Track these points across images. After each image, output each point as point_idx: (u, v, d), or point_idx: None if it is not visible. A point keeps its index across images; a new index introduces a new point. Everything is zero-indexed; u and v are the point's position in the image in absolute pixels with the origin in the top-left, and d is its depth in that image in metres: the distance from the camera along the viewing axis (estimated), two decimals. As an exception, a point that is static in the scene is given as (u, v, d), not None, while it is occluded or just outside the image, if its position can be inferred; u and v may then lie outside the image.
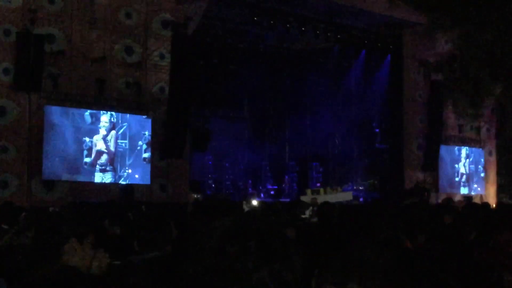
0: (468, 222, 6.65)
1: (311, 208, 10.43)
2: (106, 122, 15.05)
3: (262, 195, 21.32)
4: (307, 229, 5.28)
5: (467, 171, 22.37)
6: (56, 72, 14.19)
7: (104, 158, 15.00)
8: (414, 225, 5.51)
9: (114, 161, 15.15)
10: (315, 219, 7.62)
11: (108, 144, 15.08)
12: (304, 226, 5.93)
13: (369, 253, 1.70)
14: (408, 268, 1.70)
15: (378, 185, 21.94)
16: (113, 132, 15.15)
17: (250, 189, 21.20)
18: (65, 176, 14.36)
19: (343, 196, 18.52)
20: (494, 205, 16.10)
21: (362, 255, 1.70)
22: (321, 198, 17.42)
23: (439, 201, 18.50)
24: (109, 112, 15.09)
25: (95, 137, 14.89)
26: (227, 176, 21.79)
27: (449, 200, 13.82)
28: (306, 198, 17.16)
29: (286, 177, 22.32)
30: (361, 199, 21.23)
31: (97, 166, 14.90)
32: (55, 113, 14.33)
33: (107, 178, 14.99)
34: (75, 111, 14.62)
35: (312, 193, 18.85)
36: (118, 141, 15.25)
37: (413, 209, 7.66)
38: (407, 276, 1.68)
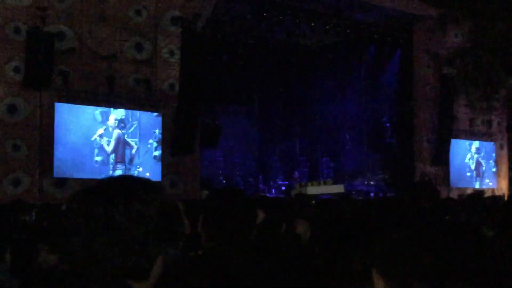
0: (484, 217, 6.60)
1: (314, 202, 10.38)
2: (116, 120, 15.06)
3: (273, 190, 21.33)
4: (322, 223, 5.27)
5: (478, 165, 22.27)
6: (67, 69, 14.21)
7: (114, 156, 15.02)
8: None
9: (125, 159, 15.16)
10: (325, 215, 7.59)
11: (119, 143, 15.09)
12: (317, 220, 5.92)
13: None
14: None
15: (389, 180, 21.90)
16: (123, 131, 15.15)
17: (261, 185, 21.21)
18: (77, 174, 14.38)
19: (335, 188, 18.32)
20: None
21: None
22: (311, 191, 17.40)
23: (451, 195, 18.45)
24: (119, 110, 15.10)
25: (106, 136, 14.89)
26: (237, 172, 21.82)
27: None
28: (295, 192, 17.15)
29: (297, 172, 22.30)
30: (372, 194, 21.19)
31: (108, 164, 14.91)
32: (66, 111, 14.35)
33: (127, 174, 14.97)
34: (85, 108, 14.63)
35: (300, 186, 18.80)
36: (128, 139, 15.26)
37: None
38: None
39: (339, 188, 18.37)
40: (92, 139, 14.71)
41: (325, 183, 19.16)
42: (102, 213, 1.86)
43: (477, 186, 21.94)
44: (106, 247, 1.84)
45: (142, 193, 1.92)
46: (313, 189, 17.94)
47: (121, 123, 15.15)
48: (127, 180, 2.00)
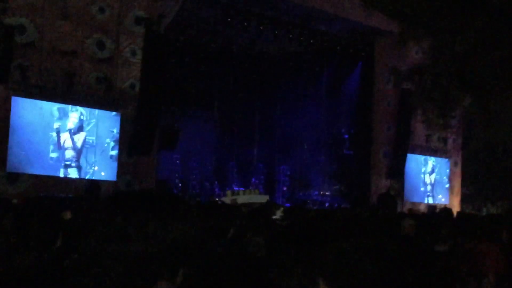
0: (432, 231, 6.71)
1: (282, 209, 10.45)
2: (74, 118, 14.87)
3: (228, 196, 21.30)
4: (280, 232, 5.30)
5: (432, 181, 22.58)
6: (26, 63, 13.99)
7: (70, 154, 14.81)
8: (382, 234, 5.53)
9: (80, 157, 14.97)
10: (284, 222, 7.61)
11: (75, 140, 14.90)
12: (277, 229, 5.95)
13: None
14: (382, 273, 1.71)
15: (345, 191, 22.08)
16: (81, 128, 14.98)
17: (216, 189, 21.18)
18: (30, 170, 14.15)
19: (260, 198, 18.72)
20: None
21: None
22: (240, 199, 17.72)
23: (404, 210, 18.67)
24: (78, 108, 14.91)
25: (62, 133, 14.69)
26: (194, 176, 21.76)
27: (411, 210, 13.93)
28: (226, 199, 17.42)
29: (254, 179, 22.32)
30: (327, 204, 21.34)
31: (63, 161, 14.71)
32: (23, 105, 14.13)
33: (73, 174, 14.81)
34: (43, 104, 14.42)
35: (232, 194, 19.09)
36: (85, 137, 15.08)
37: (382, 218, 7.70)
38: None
39: (263, 198, 18.75)
40: (48, 135, 14.49)
41: (253, 192, 19.56)
42: None
43: (430, 201, 22.23)
44: None
45: None
46: (243, 198, 18.29)
47: (79, 122, 14.97)
48: None
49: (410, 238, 6.85)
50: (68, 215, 6.76)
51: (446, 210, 11.12)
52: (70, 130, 14.81)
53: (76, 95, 14.82)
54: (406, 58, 20.66)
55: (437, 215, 11.58)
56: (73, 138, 14.87)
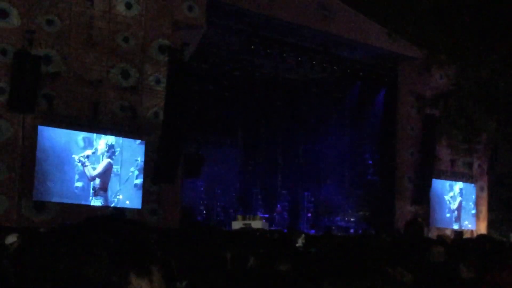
0: (461, 258, 6.62)
1: (303, 236, 10.38)
2: (100, 147, 14.97)
3: (253, 223, 21.25)
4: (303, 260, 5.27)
5: (458, 206, 22.36)
6: (52, 93, 14.16)
7: (95, 183, 14.89)
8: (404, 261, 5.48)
9: (106, 186, 15.04)
10: (312, 249, 7.57)
11: (106, 169, 14.99)
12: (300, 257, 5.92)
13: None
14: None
15: (369, 217, 21.93)
16: (106, 157, 15.07)
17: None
18: (56, 198, 14.25)
19: (259, 224, 18.36)
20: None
21: None
22: (253, 224, 17.56)
23: (430, 235, 18.47)
24: (103, 137, 15.01)
25: (88, 162, 14.79)
26: (218, 203, 21.73)
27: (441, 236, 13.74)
28: (237, 224, 17.26)
29: (278, 205, 22.26)
30: (351, 230, 21.21)
31: (89, 190, 14.78)
32: (49, 135, 14.27)
33: (98, 203, 14.87)
34: (68, 133, 14.55)
35: (243, 219, 18.84)
36: (110, 165, 15.15)
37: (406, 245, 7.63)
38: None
39: (264, 225, 18.46)
40: (73, 164, 14.58)
41: (256, 218, 19.34)
42: None
43: (456, 227, 22.00)
44: None
45: None
46: (257, 224, 18.07)
47: (104, 151, 15.06)
48: None
49: (439, 265, 6.77)
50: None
51: (483, 237, 10.98)
52: (95, 160, 14.90)
53: (101, 123, 14.94)
54: (430, 83, 20.63)
55: (466, 241, 11.42)
56: (104, 168, 14.95)
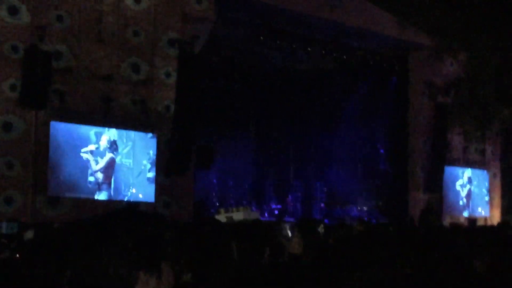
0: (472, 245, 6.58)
1: (322, 225, 10.36)
2: (102, 142, 14.97)
3: (266, 214, 21.30)
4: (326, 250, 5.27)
5: (471, 193, 22.29)
6: (63, 89, 14.21)
7: (108, 177, 14.95)
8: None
9: (118, 180, 15.10)
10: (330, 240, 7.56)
11: (108, 165, 15.03)
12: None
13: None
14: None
15: (382, 206, 21.91)
16: (118, 151, 15.12)
17: (254, 208, 21.15)
18: (70, 194, 14.32)
19: (252, 215, 18.24)
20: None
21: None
22: (235, 216, 17.45)
23: (444, 223, 18.42)
24: (112, 131, 15.05)
25: (100, 156, 14.85)
26: (231, 195, 21.78)
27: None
28: (221, 217, 17.19)
29: (290, 196, 22.28)
30: (365, 219, 21.17)
31: (101, 185, 14.85)
32: (61, 130, 14.33)
33: (102, 196, 14.90)
34: (81, 128, 14.62)
35: (226, 211, 18.70)
36: (122, 160, 15.21)
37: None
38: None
39: (255, 215, 18.33)
40: (86, 159, 14.64)
41: (246, 209, 19.16)
42: None
43: (465, 214, 21.91)
44: None
45: None
46: (237, 215, 17.91)
47: (114, 145, 15.09)
48: None
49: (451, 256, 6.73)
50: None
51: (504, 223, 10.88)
52: (107, 154, 14.95)
53: (113, 118, 14.99)
54: (441, 71, 20.52)
55: (480, 229, 11.37)
56: (106, 163, 14.96)
